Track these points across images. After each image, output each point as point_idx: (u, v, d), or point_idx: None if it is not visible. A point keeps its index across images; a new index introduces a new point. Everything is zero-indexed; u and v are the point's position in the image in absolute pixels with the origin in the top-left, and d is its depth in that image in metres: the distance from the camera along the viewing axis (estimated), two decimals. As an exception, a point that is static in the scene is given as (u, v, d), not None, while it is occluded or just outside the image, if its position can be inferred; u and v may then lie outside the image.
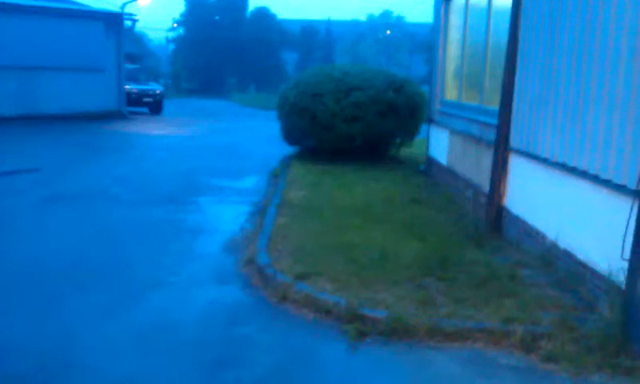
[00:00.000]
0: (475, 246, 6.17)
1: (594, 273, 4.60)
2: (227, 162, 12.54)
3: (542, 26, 5.92)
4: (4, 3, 19.47)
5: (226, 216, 7.90)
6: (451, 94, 10.32)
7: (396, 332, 4.15)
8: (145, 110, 26.37)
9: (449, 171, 9.60)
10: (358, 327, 4.22)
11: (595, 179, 4.70)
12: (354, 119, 11.49)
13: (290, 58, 67.50)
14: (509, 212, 6.59)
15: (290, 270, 5.22)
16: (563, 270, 5.10)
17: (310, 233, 6.48)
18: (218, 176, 10.72)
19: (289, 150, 13.24)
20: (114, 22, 22.32)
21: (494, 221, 6.74)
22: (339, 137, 11.56)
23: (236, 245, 6.41)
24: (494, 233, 6.61)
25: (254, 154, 13.91)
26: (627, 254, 3.92)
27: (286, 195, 8.52)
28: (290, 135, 12.74)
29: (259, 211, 7.87)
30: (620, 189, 4.28)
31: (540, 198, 5.80)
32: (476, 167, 8.03)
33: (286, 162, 11.90)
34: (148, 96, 26.38)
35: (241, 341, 4.14)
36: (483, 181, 7.45)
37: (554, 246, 5.35)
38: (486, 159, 7.37)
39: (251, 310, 4.69)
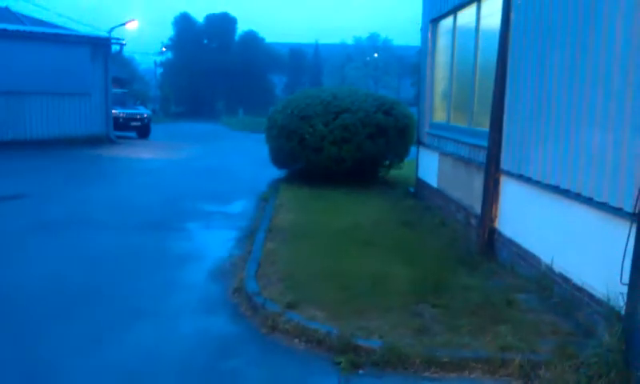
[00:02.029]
0: (468, 270, 6.05)
1: (591, 298, 4.50)
2: (215, 186, 12.39)
3: (532, 46, 5.88)
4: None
5: (213, 242, 7.74)
6: (440, 115, 10.28)
7: (390, 362, 4.01)
8: (132, 134, 26.21)
9: (439, 193, 9.52)
10: (351, 358, 4.07)
11: (590, 202, 4.61)
12: (343, 141, 11.42)
13: (278, 81, 67.85)
14: (501, 235, 6.50)
15: (280, 298, 5.07)
16: (559, 294, 4.99)
17: (300, 258, 6.34)
18: (205, 200, 10.57)
19: (278, 173, 13.14)
20: (100, 46, 22.21)
21: (487, 244, 6.64)
22: (328, 159, 11.47)
23: (224, 272, 6.25)
24: (487, 256, 6.51)
25: (243, 178, 13.79)
26: (626, 278, 3.81)
27: (275, 219, 8.38)
28: (278, 158, 12.63)
29: (248, 236, 7.73)
30: (616, 212, 4.19)
31: (533, 221, 5.71)
32: (466, 189, 7.95)
33: (275, 186, 11.78)
34: (135, 120, 26.23)
35: (229, 375, 3.98)
36: (474, 203, 7.37)
37: (549, 270, 5.25)
38: (477, 181, 7.30)
39: (240, 342, 4.53)
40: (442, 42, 10.19)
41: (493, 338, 4.24)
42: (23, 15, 22.92)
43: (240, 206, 10.20)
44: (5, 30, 19.65)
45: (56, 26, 21.63)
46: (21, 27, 20.22)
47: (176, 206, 9.97)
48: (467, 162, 7.96)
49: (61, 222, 8.58)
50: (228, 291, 5.61)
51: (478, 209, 7.02)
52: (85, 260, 6.70)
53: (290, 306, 4.88)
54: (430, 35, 10.64)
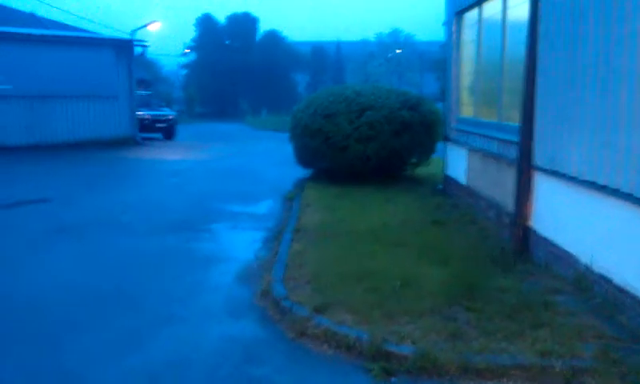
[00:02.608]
0: (502, 270, 5.84)
1: (635, 299, 4.28)
2: (241, 186, 12.33)
3: (563, 37, 5.66)
4: (16, 33, 19.60)
5: (240, 243, 7.65)
6: (467, 110, 10.06)
7: (424, 370, 3.85)
8: (158, 135, 26.35)
9: (468, 190, 9.30)
10: (383, 365, 3.93)
11: (629, 198, 4.39)
12: (368, 139, 11.25)
13: (300, 80, 67.83)
14: (536, 233, 6.27)
15: (308, 301, 4.94)
16: (600, 296, 4.77)
17: (327, 260, 6.20)
18: (231, 201, 10.50)
19: (303, 172, 13.02)
20: (124, 48, 22.36)
21: (521, 243, 6.42)
22: (353, 158, 11.31)
23: (251, 274, 6.15)
24: (521, 256, 6.28)
25: (268, 177, 13.70)
26: (674, 279, 3.60)
27: (301, 220, 8.26)
28: (303, 157, 12.51)
29: (274, 237, 7.63)
30: (661, 208, 3.97)
31: (569, 219, 5.49)
32: (497, 186, 7.73)
33: (301, 185, 11.67)
34: (161, 122, 26.36)
35: (257, 382, 3.86)
36: (506, 200, 7.16)
37: (588, 270, 5.03)
38: (508, 178, 7.08)
39: (268, 347, 4.40)
40: (468, 35, 9.96)
41: (531, 343, 4.05)
42: (48, 20, 23.20)
43: (266, 206, 10.11)
44: (30, 35, 19.91)
45: (80, 30, 21.81)
46: (46, 32, 20.44)
47: (202, 207, 9.92)
48: (497, 157, 7.74)
49: (86, 225, 8.57)
50: (255, 294, 5.50)
51: (509, 206, 6.81)
52: (111, 263, 6.67)
53: (319, 309, 4.75)
54: (454, 28, 10.41)
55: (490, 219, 7.93)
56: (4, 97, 19.36)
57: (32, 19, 22.55)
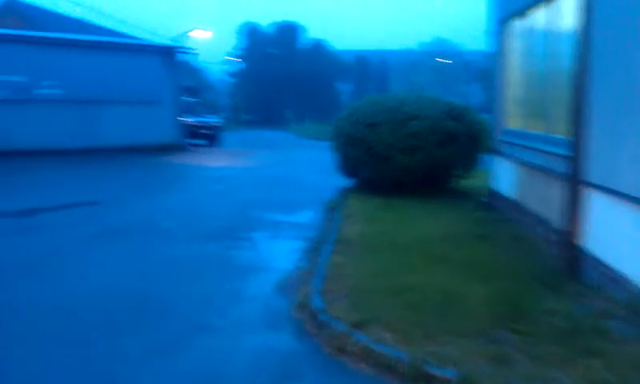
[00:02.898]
0: (550, 291, 5.57)
1: (696, 328, 4.00)
2: (283, 195, 12.31)
3: (618, 45, 5.38)
4: (65, 39, 20.15)
5: (279, 253, 7.59)
6: (514, 122, 9.77)
7: (466, 395, 3.67)
8: (203, 142, 26.68)
9: (515, 205, 9.01)
10: (423, 387, 3.77)
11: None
12: (412, 150, 11.05)
13: (344, 89, 67.79)
14: (586, 252, 5.99)
15: (347, 316, 4.81)
16: (657, 322, 4.49)
17: (367, 273, 6.06)
18: (273, 209, 10.47)
19: (345, 181, 12.90)
20: (169, 55, 22.75)
21: (570, 262, 6.14)
22: (396, 168, 11.13)
23: (289, 285, 6.05)
24: (571, 276, 6.00)
25: (310, 186, 13.65)
26: None
27: (342, 231, 8.14)
28: (345, 166, 12.40)
29: (314, 248, 7.52)
30: None
31: (624, 239, 5.20)
32: (545, 201, 7.45)
33: (343, 195, 11.55)
34: (206, 128, 26.70)
35: (292, 401, 3.76)
36: (554, 216, 6.87)
37: (643, 294, 4.75)
38: (557, 193, 6.80)
39: (304, 362, 4.30)
40: (513, 43, 9.69)
41: (583, 372, 3.82)
42: (97, 26, 23.76)
43: (307, 216, 10.03)
44: (79, 41, 20.44)
45: (128, 37, 22.24)
46: (94, 38, 20.94)
47: (243, 215, 9.92)
48: (545, 171, 7.46)
49: (129, 229, 8.68)
50: (293, 306, 5.40)
51: (558, 223, 6.54)
52: (151, 268, 6.69)
53: (357, 325, 4.61)
54: (499, 37, 10.14)
55: (537, 235, 7.65)
56: (54, 101, 19.95)
57: (81, 25, 23.11)
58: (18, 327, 4.89)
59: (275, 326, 4.98)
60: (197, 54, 24.12)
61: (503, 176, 9.82)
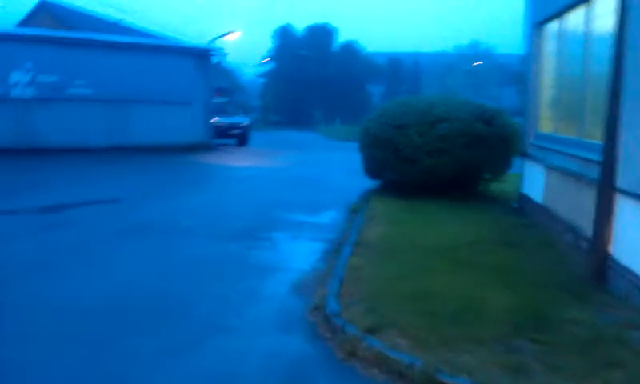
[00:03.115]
0: (576, 300, 5.36)
1: None
2: (306, 196, 12.22)
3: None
4: (98, 40, 20.46)
5: (299, 254, 7.49)
6: (546, 126, 9.50)
7: (480, 406, 3.51)
8: (232, 141, 26.80)
9: (544, 211, 8.75)
10: (436, 396, 3.62)
11: None
12: (440, 152, 10.84)
13: (376, 91, 67.44)
14: (616, 261, 5.74)
15: (361, 320, 4.68)
16: (688, 336, 4.25)
17: (386, 277, 5.91)
18: (295, 210, 10.39)
19: (371, 183, 12.75)
20: (202, 57, 22.91)
21: (598, 271, 5.89)
22: (423, 171, 10.94)
23: (306, 286, 5.95)
24: (598, 285, 5.76)
25: (335, 187, 13.54)
26: None
27: (364, 233, 8.01)
28: (371, 168, 12.25)
29: (334, 249, 7.41)
30: None
31: (655, 248, 4.96)
32: (576, 208, 7.20)
33: (367, 197, 11.41)
34: (235, 128, 26.81)
35: (300, 405, 3.65)
36: (585, 223, 6.62)
37: (674, 306, 4.51)
38: (588, 199, 6.55)
39: (315, 367, 4.19)
40: (548, 46, 9.42)
41: (604, 385, 3.64)
42: (130, 28, 24.13)
43: (329, 217, 9.92)
44: (111, 42, 20.72)
45: (161, 38, 22.49)
46: (126, 39, 21.22)
47: (265, 215, 9.86)
48: (577, 177, 7.20)
49: (150, 227, 8.70)
50: (308, 308, 5.29)
51: (588, 231, 6.29)
52: (170, 267, 6.67)
53: (371, 330, 4.48)
54: (534, 40, 9.89)
55: (567, 243, 7.39)
56: (85, 100, 20.26)
57: (116, 28, 23.51)
58: (36, 323, 4.89)
59: (289, 329, 4.88)
60: (226, 54, 24.13)
61: (534, 181, 9.56)
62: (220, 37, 24.47)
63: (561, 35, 8.57)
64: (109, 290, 5.77)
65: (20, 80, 19.32)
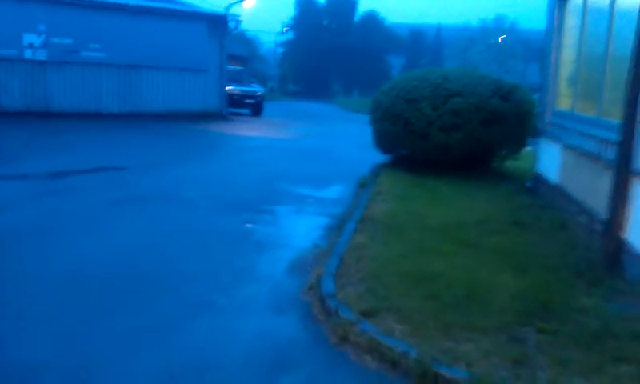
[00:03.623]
0: (587, 286, 5.07)
1: None
2: (315, 168, 11.95)
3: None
4: (112, 3, 20.13)
5: (300, 229, 7.25)
6: (565, 103, 9.09)
7: (476, 401, 3.27)
8: (246, 111, 26.53)
9: (559, 191, 8.41)
10: (429, 389, 3.39)
11: None
12: (452, 128, 10.48)
13: (396, 63, 66.51)
14: (631, 247, 5.43)
15: (357, 302, 4.44)
16: None
17: (389, 256, 5.66)
18: (301, 183, 10.13)
19: (382, 157, 12.44)
20: (217, 23, 22.51)
21: (612, 256, 5.58)
22: (435, 146, 10.60)
23: (304, 264, 5.71)
24: (611, 271, 5.45)
25: (345, 160, 13.25)
26: None
27: (370, 209, 7.74)
28: (381, 142, 11.94)
29: (338, 225, 7.16)
30: None
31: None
32: (591, 189, 6.86)
33: (377, 171, 11.11)
34: (249, 97, 26.51)
35: (282, 393, 3.43)
36: (599, 206, 6.30)
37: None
38: (604, 181, 6.21)
39: (304, 351, 3.95)
40: (570, 21, 8.97)
41: (612, 381, 3.37)
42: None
43: (336, 191, 9.65)
44: (126, 5, 20.38)
45: (174, 1, 22.08)
46: (140, 2, 20.86)
47: (270, 187, 9.61)
48: (594, 157, 6.85)
49: (151, 197, 8.50)
50: (303, 287, 5.06)
51: (603, 213, 5.97)
52: (165, 239, 6.45)
53: (367, 314, 4.24)
54: (557, 14, 9.42)
55: (581, 226, 7.07)
56: (99, 64, 20.04)
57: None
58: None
59: (281, 309, 4.64)
60: (241, 21, 23.68)
61: (549, 160, 9.19)
62: (236, 2, 23.95)
63: (585, 10, 8.13)
64: (97, 260, 5.57)
65: (33, 42, 19.13)
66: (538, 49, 47.81)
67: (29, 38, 19.04)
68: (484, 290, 4.81)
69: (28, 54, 19.12)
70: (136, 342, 3.99)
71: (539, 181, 9.76)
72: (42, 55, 19.30)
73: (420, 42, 68.82)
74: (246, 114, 25.97)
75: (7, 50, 18.73)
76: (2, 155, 11.63)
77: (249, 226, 7.18)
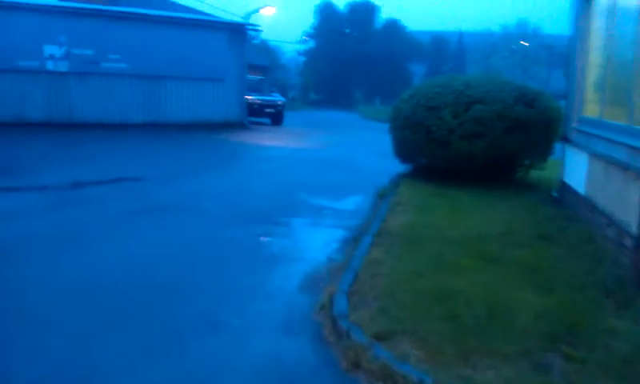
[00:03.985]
0: (616, 306, 4.75)
1: None
2: (333, 178, 11.75)
3: None
4: (133, 13, 20.23)
5: (315, 242, 7.02)
6: (592, 109, 8.74)
7: (497, 439, 3.01)
8: (266, 120, 26.46)
9: (586, 202, 8.05)
10: (445, 424, 3.13)
11: None
12: (475, 136, 10.17)
13: (418, 70, 66.11)
14: (665, 264, 5.10)
15: (371, 324, 4.19)
16: None
17: (405, 272, 5.40)
18: (319, 193, 9.94)
19: (403, 167, 12.17)
20: (237, 32, 22.51)
21: (644, 273, 5.26)
22: (456, 155, 10.29)
23: (318, 280, 5.49)
24: (643, 289, 5.13)
25: (364, 170, 13.03)
26: None
27: (388, 221, 7.48)
28: (401, 151, 11.67)
29: (354, 238, 6.91)
30: None
31: None
32: (621, 201, 6.51)
33: (396, 181, 10.84)
34: (270, 107, 26.43)
35: (288, 425, 3.21)
36: (630, 219, 5.96)
37: None
38: (635, 192, 5.89)
39: (313, 377, 3.73)
40: (596, 24, 8.63)
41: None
42: (166, 1, 23.91)
43: (354, 203, 9.42)
44: (146, 15, 20.47)
45: (194, 11, 22.16)
46: (161, 13, 20.95)
47: (287, 198, 9.44)
48: (624, 167, 6.51)
49: (169, 207, 8.44)
50: (315, 306, 4.83)
51: (634, 227, 5.65)
52: (179, 251, 6.33)
53: (380, 337, 3.99)
54: (581, 17, 9.09)
55: (609, 239, 6.72)
56: (120, 75, 20.11)
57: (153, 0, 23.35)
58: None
59: (291, 330, 4.41)
60: (261, 31, 23.67)
61: (576, 169, 8.84)
62: (254, 12, 23.95)
63: (611, 12, 7.80)
64: (109, 272, 5.48)
65: (54, 53, 19.27)
66: (562, 54, 47.18)
67: (50, 50, 19.19)
68: (506, 310, 4.53)
69: (50, 65, 19.28)
70: (140, 359, 3.83)
71: (565, 191, 9.40)
72: (63, 66, 19.45)
73: (442, 49, 68.32)
74: (266, 124, 25.89)
75: (29, 62, 18.92)
76: (23, 166, 11.68)
77: (264, 239, 7.01)
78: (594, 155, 7.87)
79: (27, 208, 8.05)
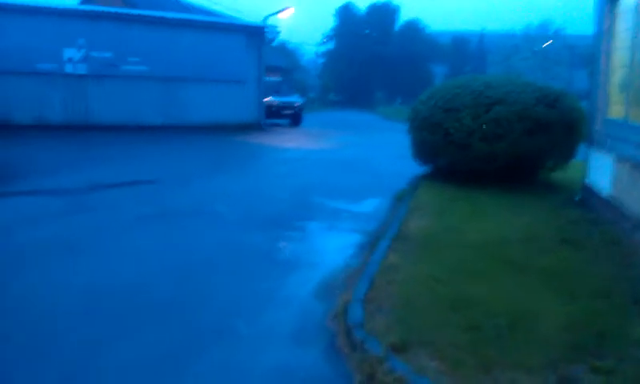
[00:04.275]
0: (645, 315, 4.55)
1: None
2: (351, 180, 11.58)
3: None
4: (152, 16, 20.29)
5: (331, 247, 6.87)
6: (616, 111, 8.48)
7: None
8: (285, 121, 26.40)
9: (611, 205, 7.80)
10: (464, 443, 2.96)
11: None
12: (495, 138, 9.94)
13: (438, 71, 65.63)
14: (697, 271, 4.87)
15: (387, 334, 4.03)
16: None
17: (423, 279, 5.23)
18: (335, 196, 9.77)
19: (422, 169, 11.97)
20: (255, 34, 22.46)
21: (675, 281, 5.03)
22: (476, 157, 10.07)
23: (333, 287, 5.33)
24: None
25: (383, 172, 12.83)
26: None
27: (405, 225, 7.30)
28: (420, 153, 11.47)
29: (371, 243, 6.74)
30: None
31: None
32: (649, 204, 6.28)
33: (415, 184, 10.64)
34: (288, 108, 26.37)
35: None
36: (659, 223, 5.73)
37: None
38: (664, 196, 5.66)
39: (326, 391, 3.58)
40: (622, 23, 8.36)
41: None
42: (184, 4, 23.96)
43: (372, 205, 9.23)
44: (165, 18, 20.52)
45: (212, 14, 22.19)
46: (180, 15, 21.00)
47: (303, 201, 9.30)
48: (651, 169, 6.28)
49: (181, 212, 8.32)
50: (330, 313, 4.68)
51: (663, 232, 5.41)
52: (187, 260, 6.14)
53: (397, 348, 3.82)
54: (606, 16, 8.83)
55: (636, 244, 6.48)
56: (139, 77, 20.17)
57: (170, 3, 23.39)
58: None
59: (304, 340, 4.25)
60: (279, 32, 23.60)
61: (600, 171, 8.58)
62: (273, 14, 23.89)
63: (637, 11, 7.55)
64: (108, 279, 5.37)
65: (73, 56, 19.38)
66: (585, 55, 46.44)
67: (69, 53, 19.31)
68: (529, 319, 4.35)
69: (68, 68, 19.40)
70: (145, 370, 3.72)
71: (589, 193, 9.14)
72: (82, 69, 19.55)
73: (462, 50, 67.75)
74: (284, 125, 25.80)
75: (48, 64, 19.06)
76: (39, 168, 11.69)
77: (280, 243, 6.86)
78: (620, 157, 7.62)
79: (39, 212, 8.01)
